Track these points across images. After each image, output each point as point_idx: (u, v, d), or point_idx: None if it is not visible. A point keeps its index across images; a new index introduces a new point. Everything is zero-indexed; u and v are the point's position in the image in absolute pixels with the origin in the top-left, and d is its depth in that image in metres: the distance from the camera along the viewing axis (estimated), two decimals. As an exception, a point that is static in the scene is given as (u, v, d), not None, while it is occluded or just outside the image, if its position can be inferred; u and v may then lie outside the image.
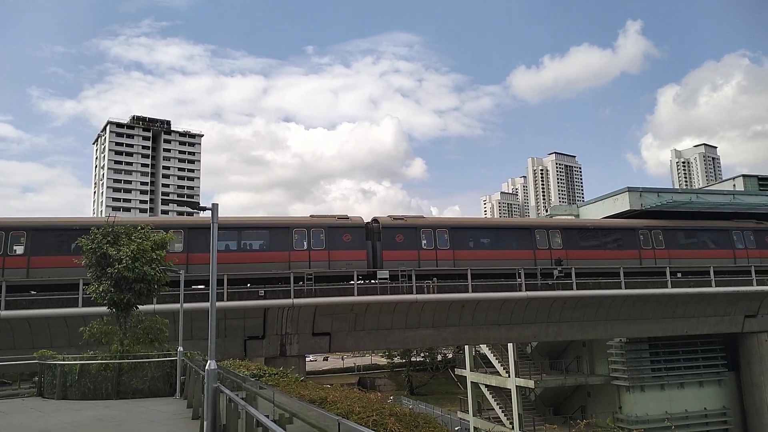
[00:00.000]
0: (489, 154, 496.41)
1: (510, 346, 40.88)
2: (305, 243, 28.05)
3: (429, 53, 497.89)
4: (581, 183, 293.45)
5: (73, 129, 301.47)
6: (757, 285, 32.76)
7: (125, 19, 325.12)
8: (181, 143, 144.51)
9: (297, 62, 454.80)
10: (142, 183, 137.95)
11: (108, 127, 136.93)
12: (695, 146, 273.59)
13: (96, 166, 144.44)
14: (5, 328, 23.91)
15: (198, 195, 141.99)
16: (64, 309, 23.58)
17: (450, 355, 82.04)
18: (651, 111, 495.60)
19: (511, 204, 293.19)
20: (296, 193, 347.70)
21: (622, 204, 36.28)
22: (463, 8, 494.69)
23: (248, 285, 26.95)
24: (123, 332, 18.81)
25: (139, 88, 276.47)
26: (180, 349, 18.14)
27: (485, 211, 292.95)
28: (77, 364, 18.06)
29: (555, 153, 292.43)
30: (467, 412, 47.57)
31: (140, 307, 19.39)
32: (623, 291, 30.62)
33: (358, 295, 26.93)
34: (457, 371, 55.91)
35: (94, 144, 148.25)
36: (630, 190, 36.26)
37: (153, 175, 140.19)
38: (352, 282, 27.44)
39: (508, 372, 41.48)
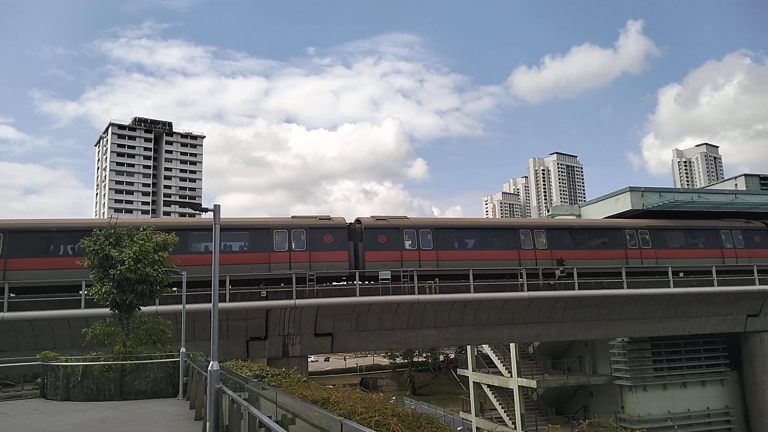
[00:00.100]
0: (490, 154, 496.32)
1: (512, 346, 40.82)
2: (286, 244, 27.86)
3: (430, 54, 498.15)
4: (583, 183, 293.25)
5: (74, 131, 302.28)
6: (759, 284, 32.71)
7: (126, 21, 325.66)
8: (183, 145, 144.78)
9: (298, 63, 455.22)
10: (144, 185, 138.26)
11: (110, 129, 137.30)
12: (697, 146, 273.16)
13: (98, 168, 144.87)
14: (8, 329, 23.97)
15: (200, 196, 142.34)
16: (66, 310, 23.58)
17: (452, 356, 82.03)
18: (652, 111, 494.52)
19: (512, 204, 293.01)
20: (298, 194, 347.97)
21: (624, 204, 36.26)
22: (464, 8, 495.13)
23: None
24: (126, 333, 18.85)
25: (141, 90, 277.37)
26: (182, 350, 18.20)
27: (487, 211, 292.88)
28: (80, 365, 18.11)
29: (556, 153, 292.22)
30: (470, 412, 47.52)
31: (143, 308, 19.42)
32: (625, 291, 30.59)
33: (360, 295, 26.94)
34: (460, 371, 55.91)
35: (95, 146, 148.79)
36: (632, 189, 36.23)
37: (155, 176, 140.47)
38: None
39: (510, 372, 41.45)
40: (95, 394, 17.75)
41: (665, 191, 37.82)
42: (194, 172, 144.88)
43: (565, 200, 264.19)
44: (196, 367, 15.65)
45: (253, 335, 27.26)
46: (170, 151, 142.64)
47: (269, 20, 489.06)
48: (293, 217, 29.83)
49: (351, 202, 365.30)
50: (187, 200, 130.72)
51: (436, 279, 28.39)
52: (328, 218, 29.57)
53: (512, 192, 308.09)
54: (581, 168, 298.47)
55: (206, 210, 11.01)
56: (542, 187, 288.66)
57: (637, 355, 36.71)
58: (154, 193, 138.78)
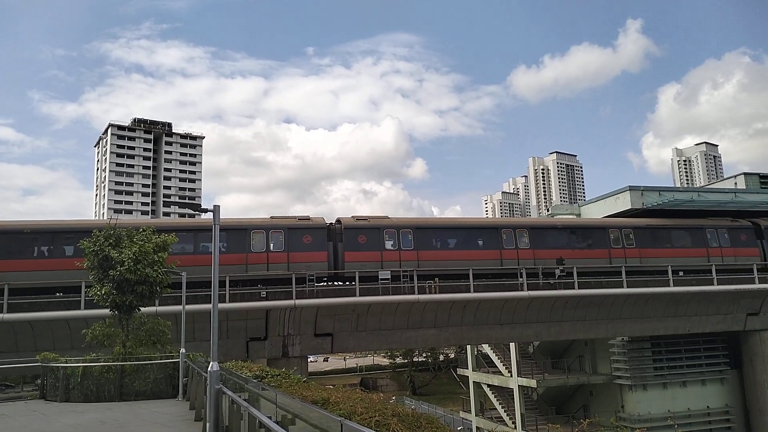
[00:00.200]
0: (490, 153, 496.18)
1: (512, 345, 40.84)
2: (264, 245, 27.68)
3: (429, 53, 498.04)
4: (582, 182, 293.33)
5: (74, 132, 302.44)
6: (759, 283, 32.71)
7: (125, 22, 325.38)
8: (182, 145, 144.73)
9: (297, 63, 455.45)
10: (144, 185, 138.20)
11: (109, 130, 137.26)
12: (696, 145, 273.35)
13: (98, 169, 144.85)
14: (8, 330, 23.95)
15: (199, 197, 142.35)
16: (66, 311, 23.56)
17: (452, 355, 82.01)
18: (652, 109, 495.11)
19: (512, 204, 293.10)
20: (297, 195, 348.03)
21: (624, 203, 36.29)
22: (463, 8, 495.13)
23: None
24: (125, 334, 18.85)
25: (140, 91, 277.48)
26: (182, 350, 18.19)
27: (487, 211, 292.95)
28: (80, 366, 18.10)
29: (556, 152, 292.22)
30: (470, 411, 47.54)
31: (142, 309, 19.42)
32: (625, 290, 30.60)
33: (360, 295, 26.94)
34: (460, 371, 55.93)
35: (95, 147, 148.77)
36: (631, 188, 36.26)
37: (154, 177, 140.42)
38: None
39: (510, 371, 41.46)
40: (95, 395, 17.75)
41: (665, 190, 37.86)
42: (194, 172, 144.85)
43: (565, 199, 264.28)
44: (195, 368, 15.64)
45: (252, 336, 27.26)
46: (170, 152, 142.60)
47: (268, 20, 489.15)
48: (272, 217, 29.65)
49: (350, 202, 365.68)
50: (186, 201, 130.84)
51: (436, 279, 28.39)
52: (308, 218, 29.48)
53: (512, 191, 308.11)
54: (581, 167, 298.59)
55: (206, 210, 11.00)
56: (542, 186, 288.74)
57: (637, 354, 36.73)
58: (153, 194, 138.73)
